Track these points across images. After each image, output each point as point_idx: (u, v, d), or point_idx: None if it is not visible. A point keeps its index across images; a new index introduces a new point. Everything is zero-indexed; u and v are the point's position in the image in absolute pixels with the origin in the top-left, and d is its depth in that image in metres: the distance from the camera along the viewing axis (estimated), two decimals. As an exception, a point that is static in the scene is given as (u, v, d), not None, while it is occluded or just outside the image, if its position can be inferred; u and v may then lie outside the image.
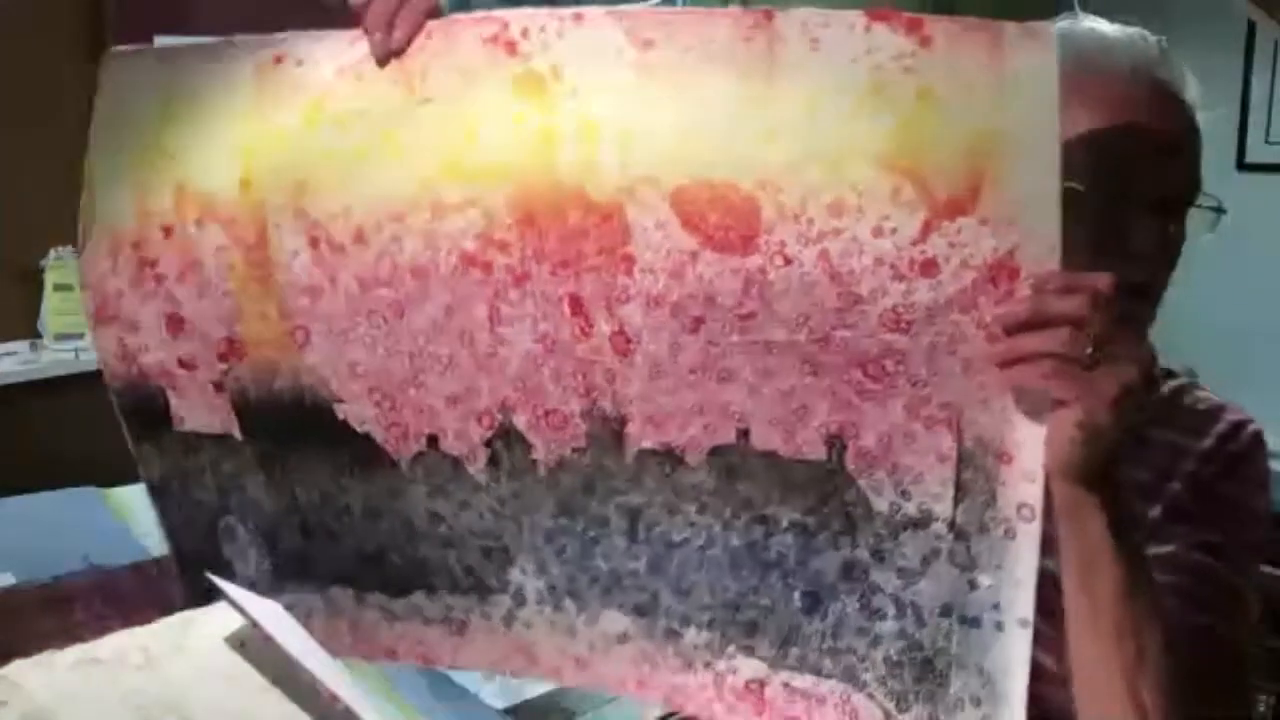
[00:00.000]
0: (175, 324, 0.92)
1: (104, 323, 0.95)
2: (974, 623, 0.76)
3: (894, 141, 0.71)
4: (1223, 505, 0.90)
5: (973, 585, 0.76)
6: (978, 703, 0.76)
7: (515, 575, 0.89)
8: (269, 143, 0.86)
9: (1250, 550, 0.91)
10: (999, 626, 0.75)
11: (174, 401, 0.95)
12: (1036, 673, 0.75)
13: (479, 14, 0.80)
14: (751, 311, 0.76)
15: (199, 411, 0.94)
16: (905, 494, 0.77)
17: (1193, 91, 0.88)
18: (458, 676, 1.22)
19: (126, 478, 1.42)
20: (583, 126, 0.78)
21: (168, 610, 0.83)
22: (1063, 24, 0.88)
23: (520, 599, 0.90)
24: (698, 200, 0.76)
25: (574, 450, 0.84)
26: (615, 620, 0.87)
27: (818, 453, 0.78)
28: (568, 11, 0.78)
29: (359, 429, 0.90)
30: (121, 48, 0.93)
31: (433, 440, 0.88)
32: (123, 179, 0.91)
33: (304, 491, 0.94)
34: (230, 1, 2.20)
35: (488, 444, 0.86)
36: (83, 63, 2.32)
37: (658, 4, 0.78)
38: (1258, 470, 0.93)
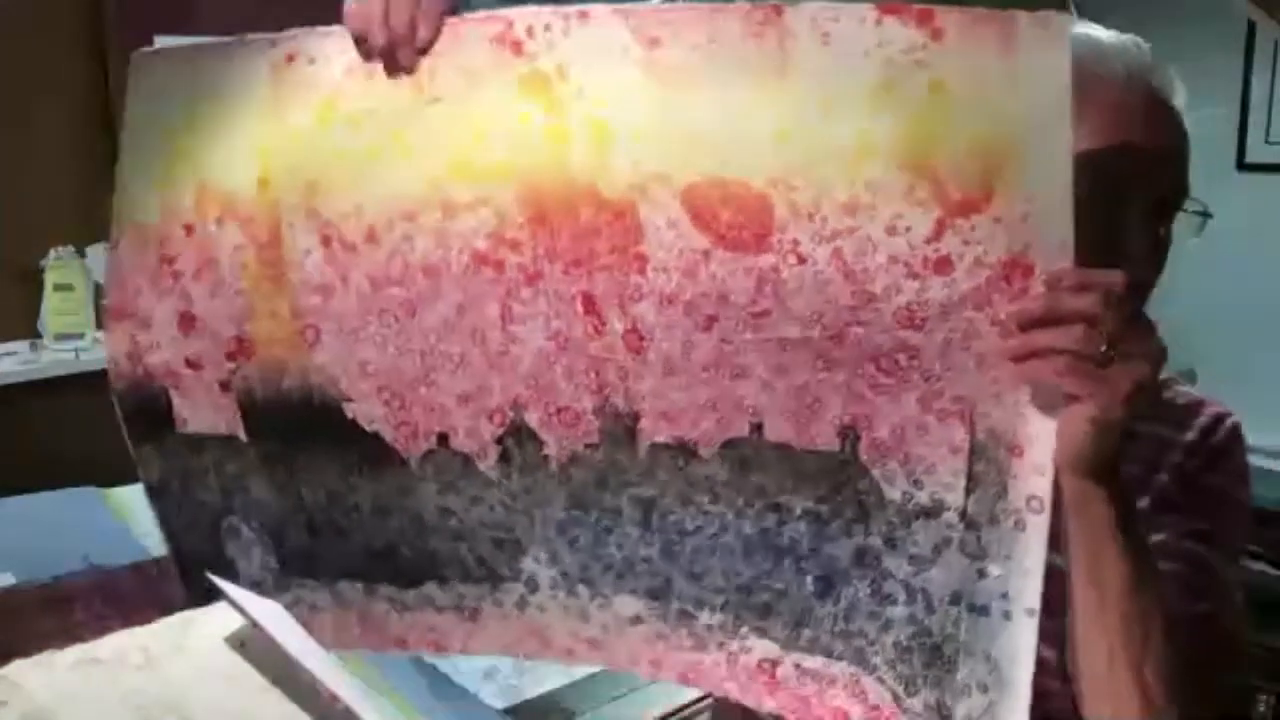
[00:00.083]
0: (187, 322, 0.92)
1: (118, 319, 0.95)
2: (983, 611, 0.77)
3: (907, 138, 0.71)
4: (1208, 496, 0.92)
5: (982, 574, 0.77)
6: (984, 689, 0.77)
7: (528, 564, 0.89)
8: (284, 142, 0.86)
9: (1236, 539, 0.94)
10: (1007, 615, 0.76)
11: (177, 402, 0.95)
12: (1037, 665, 0.76)
13: (484, 13, 0.80)
14: (765, 309, 0.76)
15: (203, 412, 0.94)
16: (918, 484, 0.77)
17: (1182, 98, 0.90)
18: (457, 676, 1.22)
19: (126, 478, 1.42)
20: (591, 125, 0.78)
21: (168, 610, 0.83)
22: None
23: (533, 585, 0.90)
24: (709, 198, 0.76)
25: (586, 446, 0.84)
26: (628, 604, 0.87)
27: (831, 444, 0.79)
28: (573, 10, 0.77)
29: (368, 428, 0.90)
30: (148, 49, 0.93)
31: (443, 438, 0.88)
32: (149, 178, 0.91)
33: (311, 491, 0.94)
34: (230, 1, 2.21)
35: (499, 441, 0.86)
36: (83, 62, 2.33)
37: (660, 2, 0.78)
38: (1238, 462, 0.96)
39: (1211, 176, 0.89)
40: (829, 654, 0.83)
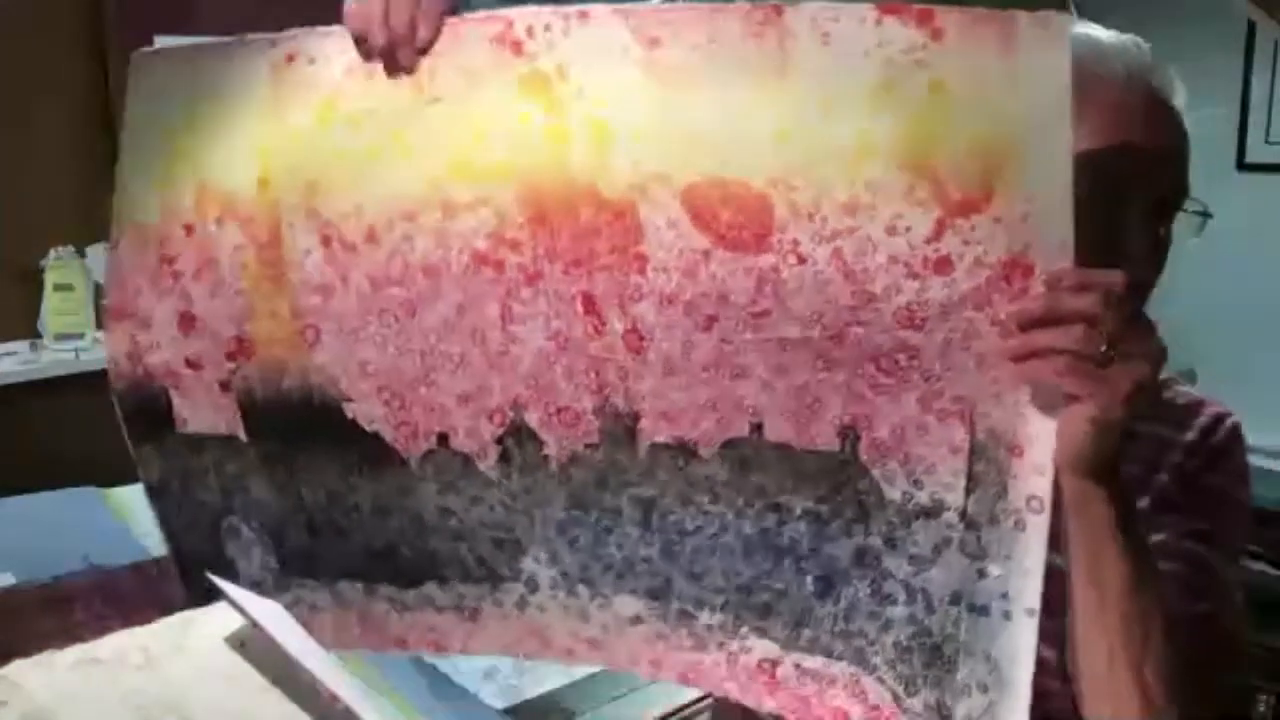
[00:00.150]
0: (187, 322, 0.92)
1: (118, 319, 0.95)
2: (983, 611, 0.77)
3: (907, 138, 0.71)
4: (1208, 496, 0.92)
5: (982, 574, 0.77)
6: (984, 689, 0.77)
7: (528, 564, 0.89)
8: (284, 142, 0.86)
9: (1236, 539, 0.94)
10: (1007, 615, 0.76)
11: (177, 402, 0.95)
12: (1037, 665, 0.76)
13: (483, 13, 0.80)
14: (765, 309, 0.76)
15: (203, 412, 0.94)
16: (918, 483, 0.77)
17: (1181, 98, 0.90)
18: (457, 676, 1.22)
19: (126, 478, 1.42)
20: (591, 125, 0.77)
21: (168, 610, 0.83)
22: None
23: (533, 585, 0.90)
24: (709, 198, 0.76)
25: (586, 446, 0.84)
26: (628, 604, 0.87)
27: (831, 444, 0.79)
28: (573, 9, 0.77)
29: (368, 428, 0.90)
30: (148, 49, 0.93)
31: (443, 438, 0.88)
32: (149, 178, 0.91)
33: (311, 490, 0.93)
34: (230, 1, 2.21)
35: (499, 441, 0.86)
36: (83, 62, 2.33)
37: (660, 1, 0.78)
38: (1239, 462, 0.96)
39: (1211, 176, 0.89)
40: (829, 654, 0.83)
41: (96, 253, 2.33)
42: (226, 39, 0.88)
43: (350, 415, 0.90)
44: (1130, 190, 0.84)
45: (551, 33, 0.77)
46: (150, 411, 0.96)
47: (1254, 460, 1.01)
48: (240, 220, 0.88)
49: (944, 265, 0.72)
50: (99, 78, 2.36)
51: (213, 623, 0.81)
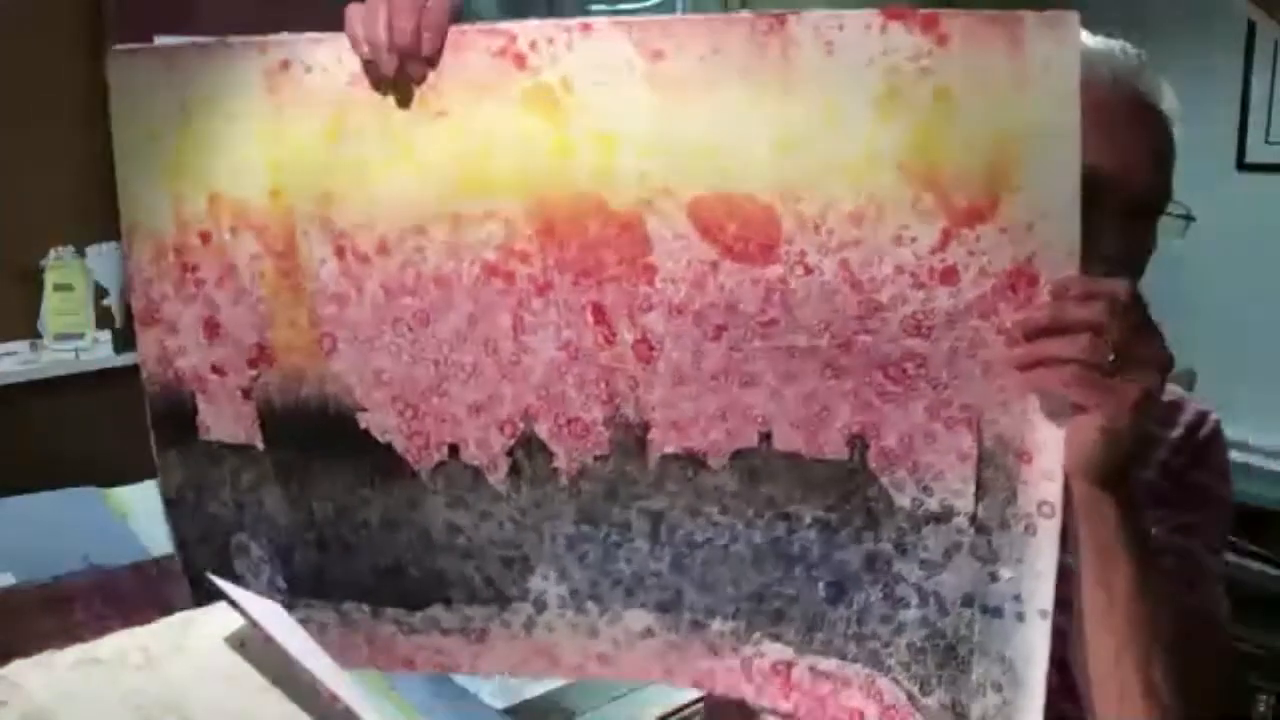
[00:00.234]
0: (211, 328, 0.92)
1: (147, 325, 0.95)
2: (995, 612, 0.77)
3: (912, 148, 0.71)
4: (1194, 492, 0.94)
5: (994, 577, 0.77)
6: (999, 688, 0.78)
7: (536, 583, 0.89)
8: (294, 152, 0.86)
9: (1220, 534, 0.96)
10: (1020, 617, 0.77)
11: (202, 408, 0.95)
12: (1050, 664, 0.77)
13: (485, 26, 0.80)
14: (773, 319, 0.77)
15: (224, 420, 0.94)
16: (927, 490, 0.78)
17: (1169, 102, 0.90)
18: (457, 676, 1.22)
19: (126, 478, 1.42)
20: (597, 139, 0.78)
21: (168, 610, 0.83)
22: None
23: (541, 605, 0.90)
24: (716, 211, 0.76)
25: (596, 458, 0.84)
26: (639, 618, 0.88)
27: (840, 453, 0.79)
28: (574, 23, 0.77)
29: (380, 439, 0.90)
30: (123, 46, 0.92)
31: (454, 450, 0.88)
32: (156, 185, 0.91)
33: (321, 504, 0.94)
34: (230, 1, 2.20)
35: (509, 453, 0.87)
36: (83, 62, 2.32)
37: (653, 2, 0.78)
38: (1222, 459, 0.98)
39: (1211, 176, 0.89)
40: (843, 656, 0.83)
41: (96, 253, 2.33)
42: (208, 40, 0.87)
43: (364, 425, 0.90)
44: (1112, 193, 0.84)
45: (554, 46, 0.77)
46: (178, 416, 0.96)
47: (1254, 460, 1.02)
48: (255, 229, 0.88)
49: (950, 275, 0.73)
50: (99, 78, 2.36)
51: (213, 623, 0.81)
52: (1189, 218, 0.89)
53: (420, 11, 0.79)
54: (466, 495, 0.89)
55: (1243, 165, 2.97)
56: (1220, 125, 2.93)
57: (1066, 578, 0.77)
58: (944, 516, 0.78)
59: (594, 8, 3.04)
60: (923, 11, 0.70)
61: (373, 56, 0.80)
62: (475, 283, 0.83)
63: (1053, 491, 0.74)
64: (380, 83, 0.82)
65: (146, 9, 2.35)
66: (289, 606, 0.96)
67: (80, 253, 2.35)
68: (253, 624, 0.79)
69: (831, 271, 0.75)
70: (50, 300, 2.34)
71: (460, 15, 0.81)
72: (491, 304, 0.83)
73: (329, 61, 0.83)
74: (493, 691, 1.23)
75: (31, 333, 2.37)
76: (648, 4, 3.10)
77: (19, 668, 0.73)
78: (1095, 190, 0.82)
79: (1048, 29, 0.68)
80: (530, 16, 0.78)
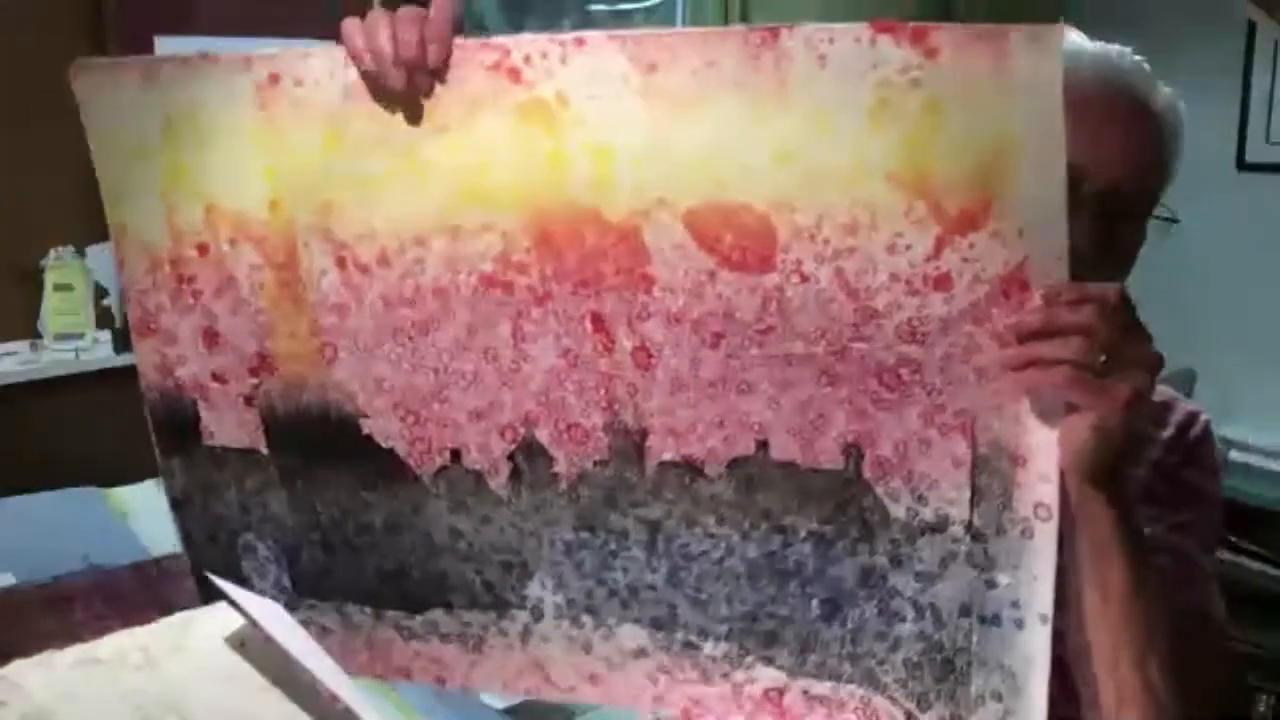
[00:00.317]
0: (210, 338, 0.92)
1: (144, 335, 0.95)
2: (993, 621, 0.78)
3: (905, 158, 0.72)
4: (1186, 491, 0.95)
5: (991, 585, 0.78)
6: (999, 698, 0.78)
7: (534, 589, 0.90)
8: (292, 163, 0.86)
9: (1212, 532, 0.97)
10: (1019, 623, 0.77)
11: (205, 415, 0.95)
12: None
13: (479, 40, 0.80)
14: (770, 326, 0.78)
15: (228, 426, 0.95)
16: (922, 499, 0.78)
17: (1164, 105, 0.90)
18: (458, 676, 1.22)
19: (126, 478, 1.42)
20: (592, 152, 0.78)
21: (168, 610, 0.83)
22: None
23: (538, 614, 0.91)
24: (712, 221, 0.77)
25: (595, 463, 0.85)
26: (633, 634, 0.88)
27: (835, 462, 0.79)
28: (569, 37, 0.78)
29: (383, 444, 0.90)
30: (88, 60, 0.91)
31: (455, 455, 0.89)
32: (146, 197, 0.91)
33: (326, 507, 0.94)
34: (229, 1, 2.20)
35: (510, 458, 0.87)
36: (83, 63, 2.32)
37: (653, 2, 0.78)
38: (1212, 458, 0.99)
39: (1211, 176, 0.89)
40: (838, 677, 0.83)
41: (96, 253, 2.33)
42: (187, 55, 0.87)
43: (366, 431, 0.90)
44: (1098, 194, 0.85)
45: (549, 60, 0.78)
46: (180, 422, 0.96)
47: (1254, 460, 1.03)
48: (254, 240, 0.88)
49: (944, 282, 0.73)
50: (99, 78, 2.36)
51: (213, 623, 0.81)
52: (1173, 219, 0.90)
53: (423, 23, 0.79)
54: (468, 499, 0.89)
55: (1243, 165, 2.97)
56: (1220, 125, 2.93)
57: (1062, 579, 0.77)
58: (939, 526, 0.78)
59: (593, 7, 3.04)
60: (912, 25, 0.70)
61: (376, 68, 0.80)
62: (473, 294, 0.84)
63: (1049, 494, 0.75)
64: (380, 95, 0.81)
65: (146, 9, 2.35)
66: (292, 608, 0.96)
67: (80, 253, 2.35)
68: (253, 624, 0.79)
69: (827, 279, 0.75)
70: (50, 300, 2.34)
71: (461, 27, 0.81)
72: (490, 314, 0.84)
73: (321, 75, 0.83)
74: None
75: (31, 333, 2.37)
76: (647, 4, 3.10)
77: (19, 668, 0.74)
78: (1082, 191, 0.82)
79: (1033, 42, 0.69)
80: (531, 17, 0.78)
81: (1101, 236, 0.85)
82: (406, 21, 0.79)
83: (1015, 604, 0.77)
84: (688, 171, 0.76)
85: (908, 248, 0.73)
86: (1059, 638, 0.79)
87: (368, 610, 0.96)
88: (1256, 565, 2.54)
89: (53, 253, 2.34)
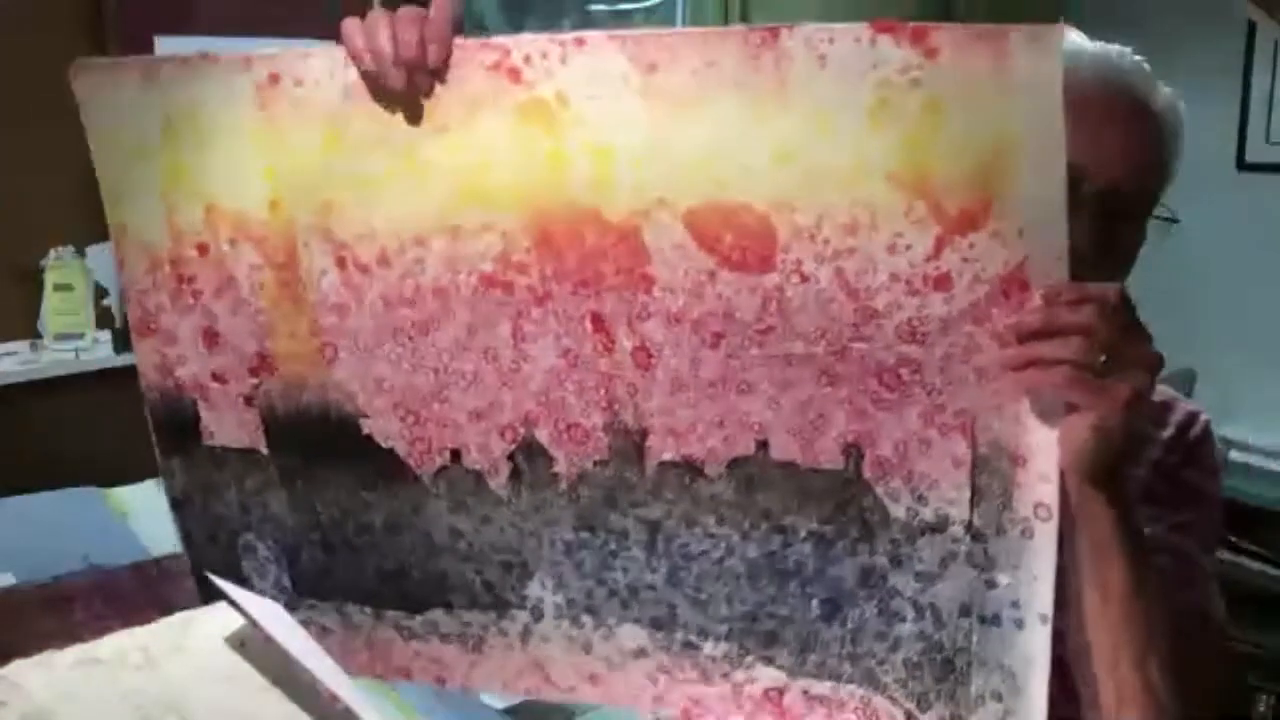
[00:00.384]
0: (210, 338, 0.92)
1: (144, 335, 0.95)
2: (993, 621, 0.78)
3: (905, 158, 0.72)
4: (1186, 491, 0.95)
5: (991, 585, 0.78)
6: (999, 698, 0.78)
7: (534, 589, 0.90)
8: (292, 163, 0.86)
9: (1212, 532, 0.97)
10: (1019, 623, 0.77)
11: (205, 415, 0.95)
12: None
13: (479, 40, 0.80)
14: (770, 326, 0.78)
15: (228, 426, 0.95)
16: (922, 499, 0.78)
17: (1165, 106, 0.90)
18: (458, 676, 1.22)
19: (126, 478, 1.42)
20: (593, 152, 0.78)
21: (168, 610, 0.83)
22: None
23: (538, 614, 0.91)
24: (712, 221, 0.77)
25: (595, 463, 0.85)
26: (633, 634, 0.88)
27: (835, 462, 0.79)
28: (568, 37, 0.78)
29: (383, 444, 0.90)
30: (88, 60, 0.91)
31: (455, 455, 0.89)
32: (146, 198, 0.91)
33: (326, 507, 0.94)
34: (229, 1, 2.20)
35: (510, 458, 0.87)
36: (83, 63, 2.33)
37: (652, 2, 0.78)
38: (1212, 458, 0.99)
39: (1211, 176, 0.89)
40: (837, 677, 0.83)
41: (96, 253, 2.33)
42: (186, 55, 0.87)
43: (366, 431, 0.90)
44: (1097, 193, 0.85)
45: (549, 60, 0.78)
46: (180, 423, 0.96)
47: (1254, 460, 1.03)
48: (254, 240, 0.88)
49: (944, 282, 0.74)
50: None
51: (213, 623, 0.81)
52: (1173, 219, 0.90)
53: (423, 23, 0.79)
54: (468, 499, 0.89)
55: (1243, 165, 2.97)
56: (1220, 125, 2.93)
57: (1062, 579, 0.77)
58: (939, 526, 0.78)
59: (593, 7, 3.04)
60: (912, 25, 0.71)
61: (377, 68, 0.80)
62: (473, 294, 0.84)
63: (1049, 493, 0.75)
64: (380, 95, 0.81)
65: (146, 9, 2.35)
66: (292, 608, 0.96)
67: (80, 253, 2.35)
68: (253, 624, 0.79)
69: (827, 279, 0.75)
70: (50, 300, 2.34)
71: (461, 27, 0.81)
72: (490, 314, 0.84)
73: (321, 75, 0.83)
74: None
75: (31, 333, 2.37)
76: (647, 4, 3.10)
77: (19, 668, 0.74)
78: (1082, 191, 0.82)
79: (1033, 42, 0.69)
80: (531, 17, 0.79)
81: (1101, 236, 0.85)
82: (406, 21, 0.79)
83: (1015, 604, 0.77)
84: (688, 171, 0.76)
85: (908, 248, 0.73)
86: (1059, 638, 0.79)
87: (368, 610, 0.96)
88: (1256, 565, 2.54)
89: (53, 253, 2.34)
